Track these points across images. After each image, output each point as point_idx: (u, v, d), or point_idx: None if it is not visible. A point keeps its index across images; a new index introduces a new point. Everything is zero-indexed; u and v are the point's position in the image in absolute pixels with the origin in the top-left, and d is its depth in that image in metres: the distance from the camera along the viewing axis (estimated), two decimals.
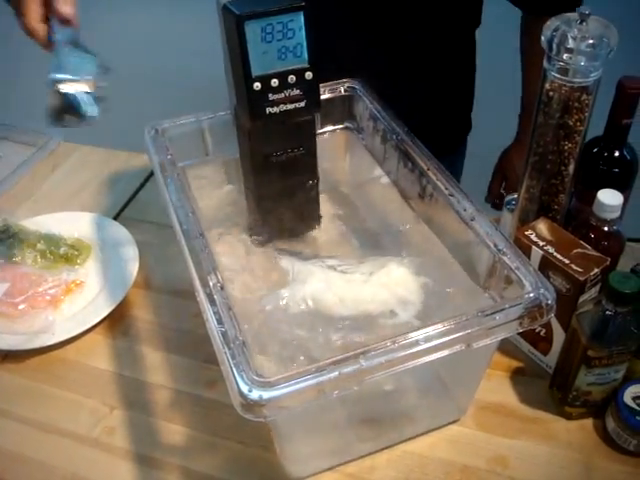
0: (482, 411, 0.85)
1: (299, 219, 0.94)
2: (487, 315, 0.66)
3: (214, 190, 0.98)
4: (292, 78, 0.79)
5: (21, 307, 0.96)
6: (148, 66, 2.75)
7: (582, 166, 0.87)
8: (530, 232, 0.84)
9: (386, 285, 0.81)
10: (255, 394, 0.60)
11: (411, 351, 0.63)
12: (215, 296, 0.68)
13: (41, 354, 0.94)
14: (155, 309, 1.01)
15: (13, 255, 1.05)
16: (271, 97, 0.79)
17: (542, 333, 0.86)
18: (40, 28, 0.79)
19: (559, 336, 0.84)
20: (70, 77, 0.80)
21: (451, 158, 1.28)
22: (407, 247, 0.89)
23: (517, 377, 0.89)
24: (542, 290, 0.68)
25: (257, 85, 0.78)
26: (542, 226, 0.85)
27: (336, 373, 0.61)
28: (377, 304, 0.81)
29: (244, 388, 0.60)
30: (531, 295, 0.68)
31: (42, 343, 0.93)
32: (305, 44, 0.79)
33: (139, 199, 1.20)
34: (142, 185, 1.23)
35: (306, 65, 0.80)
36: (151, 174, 1.23)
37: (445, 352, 0.64)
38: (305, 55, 0.79)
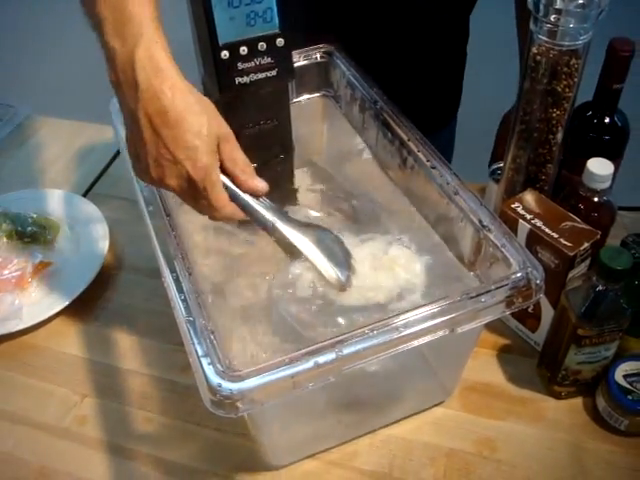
0: (468, 392, 0.82)
1: (274, 193, 0.89)
2: (472, 297, 0.62)
3: None
4: (262, 45, 0.74)
5: None
6: None
7: (571, 134, 0.83)
8: (516, 204, 0.80)
9: (391, 269, 0.76)
10: (225, 389, 0.56)
11: (391, 338, 0.60)
12: (182, 283, 0.64)
13: (8, 340, 0.90)
14: (127, 290, 0.97)
15: None
16: (240, 66, 0.74)
17: (530, 309, 0.83)
18: (234, 208, 0.68)
19: (548, 312, 0.81)
20: None
21: (442, 132, 1.24)
22: (389, 222, 0.85)
23: (504, 355, 0.86)
24: (530, 269, 0.64)
25: (225, 54, 0.73)
26: (529, 198, 0.81)
27: (311, 364, 0.58)
28: (384, 291, 0.75)
29: (214, 382, 0.56)
30: (518, 275, 0.64)
31: (9, 329, 0.89)
32: (275, 8, 0.73)
33: (110, 174, 1.15)
34: (113, 159, 1.18)
35: (277, 31, 0.75)
36: None
37: (428, 338, 0.61)
38: (276, 20, 0.74)
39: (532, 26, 0.76)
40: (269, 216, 0.71)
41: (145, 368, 0.87)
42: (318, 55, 0.94)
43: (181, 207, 0.74)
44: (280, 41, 0.75)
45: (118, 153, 1.18)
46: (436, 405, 0.81)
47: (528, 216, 0.78)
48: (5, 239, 1.00)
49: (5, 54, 2.26)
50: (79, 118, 1.29)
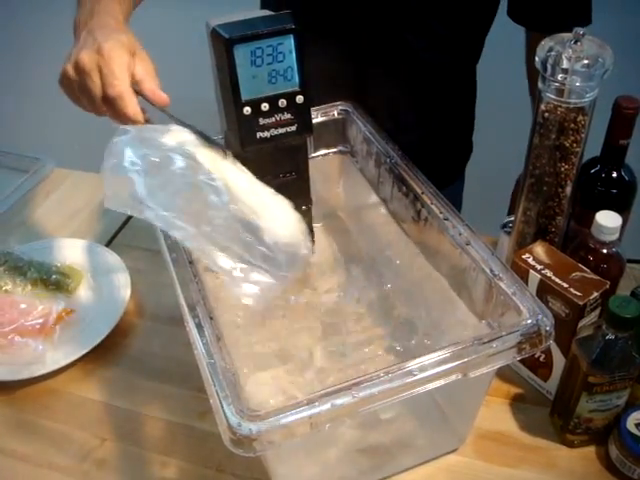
0: (481, 440, 0.83)
1: None
2: (484, 343, 0.64)
3: None
4: (283, 102, 0.78)
5: (10, 337, 0.95)
6: None
7: (580, 188, 0.86)
8: (527, 256, 0.82)
9: None
10: (245, 428, 0.58)
11: (406, 381, 0.61)
12: (204, 327, 0.66)
13: (31, 384, 0.92)
14: (147, 337, 0.99)
15: (3, 284, 1.03)
16: (262, 122, 0.78)
17: (542, 359, 0.84)
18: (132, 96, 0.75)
19: (559, 362, 0.82)
20: None
21: (451, 188, 1.27)
22: (402, 275, 0.87)
23: (517, 404, 0.87)
24: (540, 316, 0.66)
25: (247, 109, 0.77)
26: (540, 249, 0.83)
27: (328, 405, 0.59)
28: None
29: (233, 421, 0.58)
30: (529, 322, 0.66)
31: (31, 374, 0.91)
32: (296, 67, 0.77)
33: (131, 225, 1.19)
34: None
35: (297, 89, 0.78)
36: None
37: (441, 382, 0.63)
38: (296, 78, 0.78)
39: (540, 85, 0.79)
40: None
41: (164, 413, 0.88)
42: (335, 112, 0.98)
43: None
44: (300, 98, 0.78)
45: None
46: (450, 452, 0.82)
47: (538, 267, 0.81)
48: (30, 287, 1.04)
49: (33, 109, 2.33)
50: None
